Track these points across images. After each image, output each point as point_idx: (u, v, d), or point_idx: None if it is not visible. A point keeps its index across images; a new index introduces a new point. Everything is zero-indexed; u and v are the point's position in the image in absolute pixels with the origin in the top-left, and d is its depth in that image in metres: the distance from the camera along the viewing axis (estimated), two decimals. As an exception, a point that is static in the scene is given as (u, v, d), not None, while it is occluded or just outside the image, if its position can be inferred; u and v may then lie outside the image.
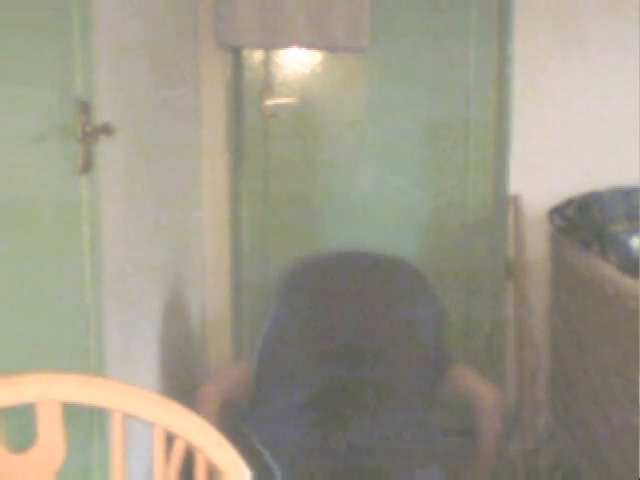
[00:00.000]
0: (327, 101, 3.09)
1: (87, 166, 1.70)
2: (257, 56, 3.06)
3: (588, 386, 2.50)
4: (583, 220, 2.73)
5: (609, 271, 2.45)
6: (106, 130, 1.73)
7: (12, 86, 1.54)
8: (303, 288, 2.73)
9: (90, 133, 1.69)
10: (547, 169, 3.00)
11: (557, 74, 2.96)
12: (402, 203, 3.10)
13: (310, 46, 2.96)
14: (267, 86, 3.06)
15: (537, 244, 2.98)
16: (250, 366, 2.65)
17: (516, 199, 2.97)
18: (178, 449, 1.22)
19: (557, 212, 2.86)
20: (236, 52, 3.04)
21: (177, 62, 2.77)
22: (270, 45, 2.99)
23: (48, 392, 1.21)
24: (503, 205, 3.03)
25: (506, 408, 2.70)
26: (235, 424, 2.47)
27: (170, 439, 1.22)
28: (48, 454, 1.23)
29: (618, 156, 2.96)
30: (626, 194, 2.76)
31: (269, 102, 3.06)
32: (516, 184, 3.00)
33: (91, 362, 1.76)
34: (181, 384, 2.76)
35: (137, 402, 1.22)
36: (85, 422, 1.73)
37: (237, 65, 3.06)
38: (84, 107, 1.68)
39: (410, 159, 3.09)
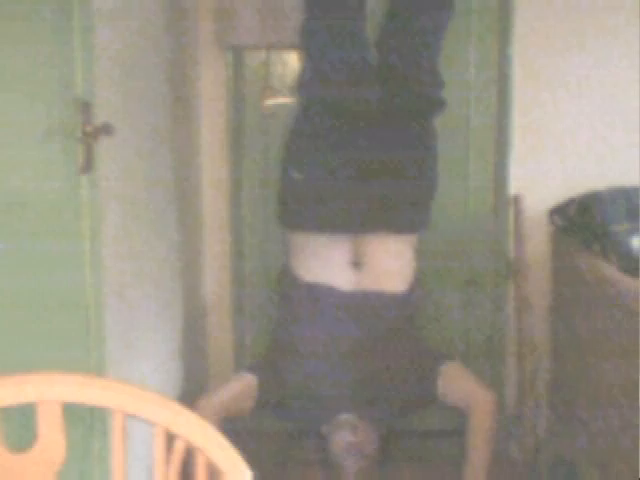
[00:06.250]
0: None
1: (87, 166, 1.70)
2: (257, 56, 3.06)
3: (588, 386, 2.50)
4: (584, 220, 2.73)
5: (609, 271, 2.45)
6: (106, 130, 1.73)
7: (13, 86, 1.55)
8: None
9: (90, 133, 1.69)
10: (547, 169, 3.00)
11: (557, 74, 2.96)
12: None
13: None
14: (267, 86, 3.06)
15: (537, 244, 2.97)
16: (250, 380, 2.62)
17: (516, 199, 2.97)
18: (178, 449, 1.22)
19: (558, 212, 2.86)
20: (236, 52, 3.04)
21: (177, 62, 2.77)
22: (270, 45, 2.99)
23: (48, 392, 1.21)
24: (503, 205, 3.03)
25: (501, 409, 2.69)
26: None
27: (170, 439, 1.22)
28: (48, 454, 1.23)
29: (618, 156, 2.96)
30: (626, 194, 2.76)
31: (269, 102, 3.06)
32: (516, 184, 3.00)
33: (91, 362, 1.76)
34: (181, 384, 2.76)
35: (137, 402, 1.22)
36: (85, 422, 1.73)
37: (237, 65, 3.06)
38: (84, 107, 1.68)
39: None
